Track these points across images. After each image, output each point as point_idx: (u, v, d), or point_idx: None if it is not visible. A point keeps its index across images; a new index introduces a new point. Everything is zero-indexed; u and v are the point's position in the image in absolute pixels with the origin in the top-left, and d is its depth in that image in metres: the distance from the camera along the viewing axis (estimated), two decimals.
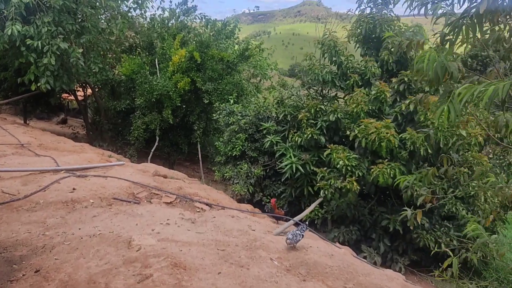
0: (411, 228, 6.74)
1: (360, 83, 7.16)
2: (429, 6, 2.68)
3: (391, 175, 5.79)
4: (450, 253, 6.34)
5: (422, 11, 2.75)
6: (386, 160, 6.00)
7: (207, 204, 6.02)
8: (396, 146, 5.85)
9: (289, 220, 5.88)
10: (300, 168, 7.38)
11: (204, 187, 8.06)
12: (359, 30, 7.69)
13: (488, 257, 7.03)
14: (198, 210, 5.78)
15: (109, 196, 5.04)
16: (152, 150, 10.88)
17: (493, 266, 7.18)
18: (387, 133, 5.82)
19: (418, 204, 4.16)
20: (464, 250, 7.24)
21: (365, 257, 6.69)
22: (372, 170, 5.86)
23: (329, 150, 6.36)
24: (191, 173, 14.61)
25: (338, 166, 6.06)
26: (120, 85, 11.82)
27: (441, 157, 3.62)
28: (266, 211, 8.96)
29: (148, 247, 3.37)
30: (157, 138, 10.99)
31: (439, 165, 6.99)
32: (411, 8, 2.80)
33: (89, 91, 13.27)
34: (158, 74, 11.26)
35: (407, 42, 3.13)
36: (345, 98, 8.01)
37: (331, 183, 6.17)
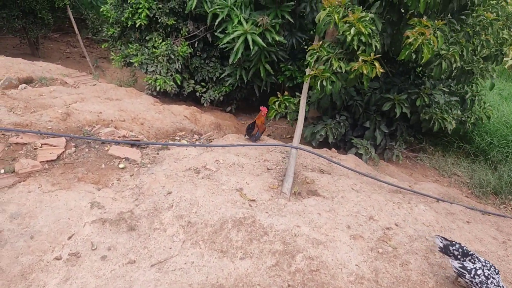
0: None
1: None
2: None
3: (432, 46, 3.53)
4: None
5: None
6: (424, 17, 3.63)
7: (132, 145, 3.19)
8: None
9: (275, 142, 3.53)
10: (259, 40, 4.62)
11: (109, 88, 4.94)
12: None
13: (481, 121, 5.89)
14: (121, 166, 3.00)
15: None
16: None
17: (484, 129, 6.14)
18: None
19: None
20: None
21: (360, 155, 4.92)
22: (407, 39, 3.47)
23: (327, 8, 3.63)
24: (66, 50, 10.38)
25: (347, 40, 3.51)
26: None
27: None
28: (205, 105, 6.31)
29: None
30: None
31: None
32: None
33: None
34: None
35: None
36: None
37: (334, 69, 3.70)
